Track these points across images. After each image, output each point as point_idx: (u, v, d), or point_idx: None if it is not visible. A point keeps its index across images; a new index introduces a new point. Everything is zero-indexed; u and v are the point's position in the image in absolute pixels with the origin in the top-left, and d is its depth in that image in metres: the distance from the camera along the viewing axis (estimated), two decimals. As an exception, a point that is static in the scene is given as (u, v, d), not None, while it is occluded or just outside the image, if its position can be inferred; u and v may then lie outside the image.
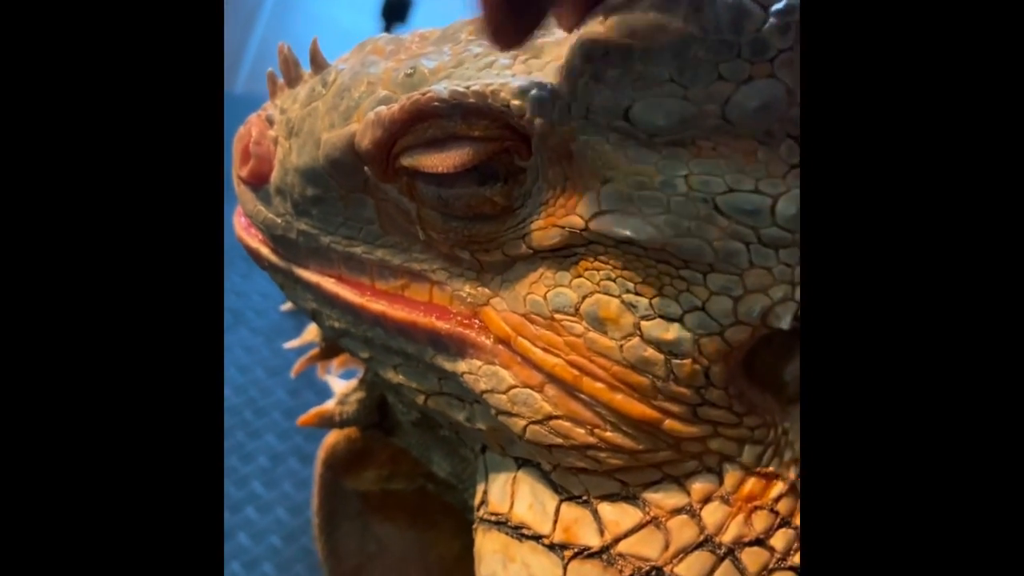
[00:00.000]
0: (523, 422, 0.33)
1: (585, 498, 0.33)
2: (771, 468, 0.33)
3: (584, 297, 0.31)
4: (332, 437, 0.49)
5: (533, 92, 0.30)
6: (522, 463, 0.35)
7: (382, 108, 0.32)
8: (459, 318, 0.34)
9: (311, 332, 0.47)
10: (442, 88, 0.31)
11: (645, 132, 0.29)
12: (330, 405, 0.47)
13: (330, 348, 0.46)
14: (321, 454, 0.50)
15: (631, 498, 0.33)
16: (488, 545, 0.35)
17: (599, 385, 0.32)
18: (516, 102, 0.30)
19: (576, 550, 0.33)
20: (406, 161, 0.32)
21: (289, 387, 0.74)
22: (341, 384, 0.48)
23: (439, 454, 0.44)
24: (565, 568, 0.33)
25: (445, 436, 0.41)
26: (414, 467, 0.47)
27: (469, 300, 0.34)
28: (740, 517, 0.32)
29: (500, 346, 0.33)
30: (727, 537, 0.32)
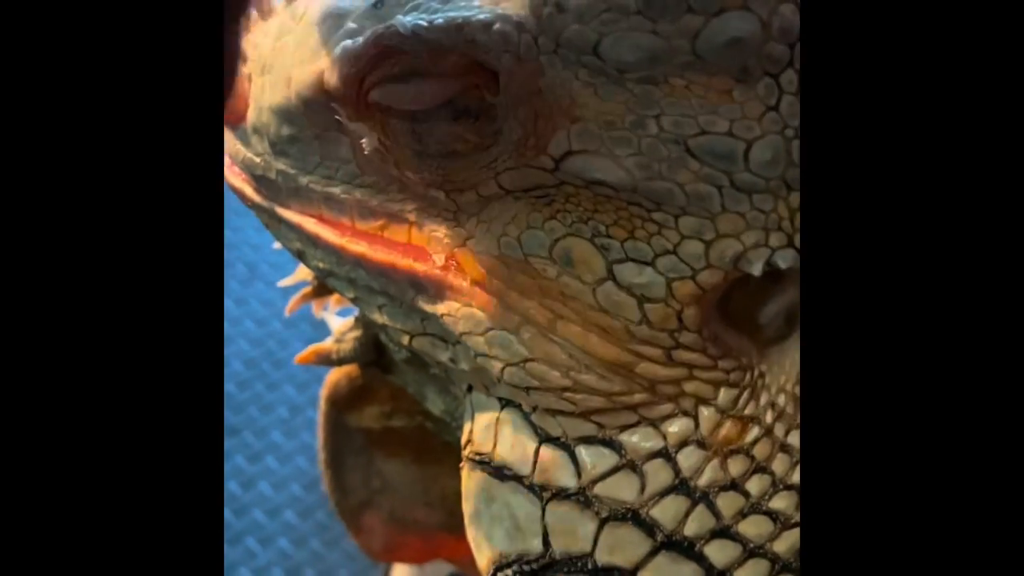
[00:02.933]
0: (500, 364, 0.33)
1: (563, 440, 0.33)
2: (747, 411, 0.32)
3: (556, 240, 0.31)
4: (334, 374, 0.49)
5: (497, 26, 0.29)
6: (505, 403, 0.35)
7: (348, 43, 0.31)
8: (437, 259, 0.34)
9: (304, 270, 0.46)
10: (406, 22, 0.29)
11: (615, 68, 0.28)
12: (328, 343, 0.47)
13: (322, 286, 0.46)
14: (324, 391, 0.50)
15: (607, 441, 0.33)
16: (472, 484, 0.35)
17: (573, 328, 0.32)
18: (481, 37, 0.29)
19: (554, 491, 0.33)
20: (376, 97, 0.31)
21: (306, 338, 0.75)
22: (339, 322, 0.48)
23: (432, 391, 0.44)
24: (544, 508, 0.33)
25: (436, 374, 0.41)
26: (414, 403, 0.47)
27: (446, 241, 0.33)
28: (715, 461, 0.32)
29: (477, 288, 0.33)
30: (702, 481, 0.32)
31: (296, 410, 0.77)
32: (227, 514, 0.69)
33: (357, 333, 0.46)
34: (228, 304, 0.86)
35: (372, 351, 0.47)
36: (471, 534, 0.36)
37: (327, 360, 0.47)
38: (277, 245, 0.41)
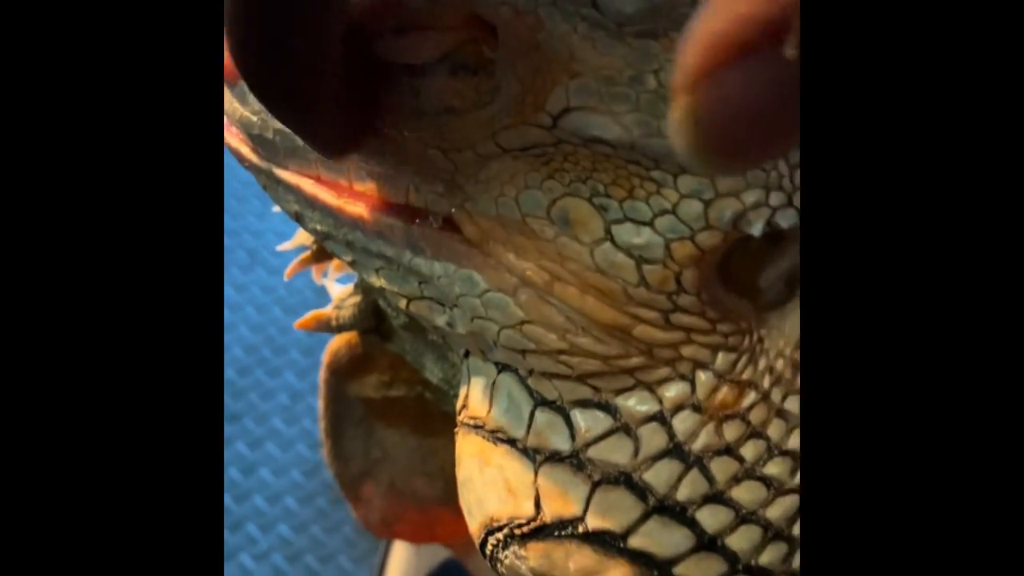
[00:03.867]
0: (496, 327, 0.33)
1: (559, 403, 0.33)
2: (745, 376, 0.32)
3: (554, 200, 0.31)
4: (335, 343, 0.49)
5: None
6: (502, 368, 0.34)
7: None
8: (434, 220, 0.33)
9: (302, 234, 0.46)
10: None
11: (614, 21, 0.27)
12: (328, 309, 0.47)
13: (321, 251, 0.45)
14: (325, 359, 0.50)
15: (603, 404, 0.32)
16: (466, 448, 0.35)
17: (570, 290, 0.31)
18: None
19: (547, 454, 0.33)
20: (377, 49, 0.30)
21: (306, 326, 0.75)
22: (339, 288, 0.47)
23: (430, 359, 0.43)
24: (536, 471, 0.33)
25: (434, 341, 0.41)
26: (413, 373, 0.47)
27: (444, 202, 0.33)
28: (711, 426, 0.32)
29: (474, 249, 0.32)
30: (696, 445, 0.32)
31: (297, 396, 0.77)
32: (228, 500, 0.69)
33: (356, 299, 0.46)
34: (228, 291, 0.86)
35: (371, 318, 0.46)
36: (463, 499, 0.35)
37: (326, 326, 0.47)
38: (276, 208, 0.40)
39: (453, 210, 0.33)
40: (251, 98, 0.35)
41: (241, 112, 0.36)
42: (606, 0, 0.27)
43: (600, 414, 0.32)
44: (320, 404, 0.52)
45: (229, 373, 0.78)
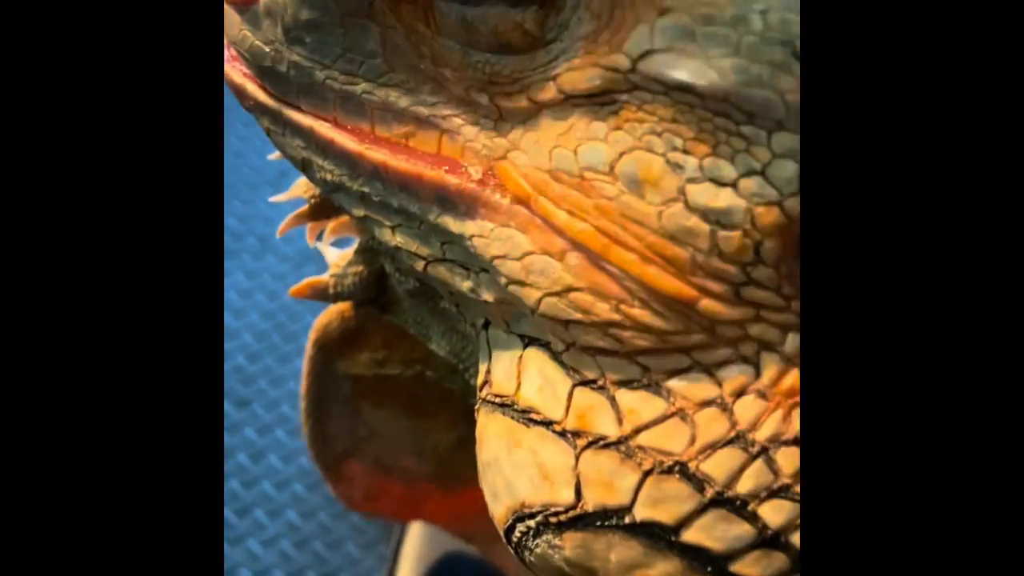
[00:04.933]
0: (538, 293, 0.29)
1: (601, 383, 0.30)
2: None
3: (621, 154, 0.28)
4: (325, 317, 0.46)
5: None
6: (529, 341, 0.32)
7: None
8: (471, 173, 0.30)
9: (300, 186, 0.43)
10: None
11: None
12: (324, 276, 0.44)
13: (319, 206, 0.42)
14: (313, 335, 0.47)
15: (653, 386, 0.30)
16: (491, 428, 0.32)
17: (630, 256, 0.28)
18: None
19: (591, 439, 0.30)
20: None
21: (317, 312, 0.75)
22: (335, 253, 0.44)
23: (438, 330, 0.41)
24: (577, 457, 0.30)
25: (444, 309, 0.38)
26: (410, 351, 0.45)
27: (484, 152, 0.30)
28: (778, 413, 0.29)
29: (518, 206, 0.29)
30: (761, 435, 0.29)
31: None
32: (236, 486, 0.69)
33: (358, 268, 0.43)
34: (239, 277, 0.86)
35: (372, 288, 0.43)
36: (487, 481, 0.33)
37: (322, 294, 0.44)
38: (274, 155, 0.38)
39: (495, 162, 0.30)
40: (266, 23, 0.32)
41: (252, 40, 0.32)
42: None
43: (651, 396, 0.29)
44: (303, 383, 0.48)
45: (239, 359, 0.78)
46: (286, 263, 0.87)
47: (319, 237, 0.44)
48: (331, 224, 0.43)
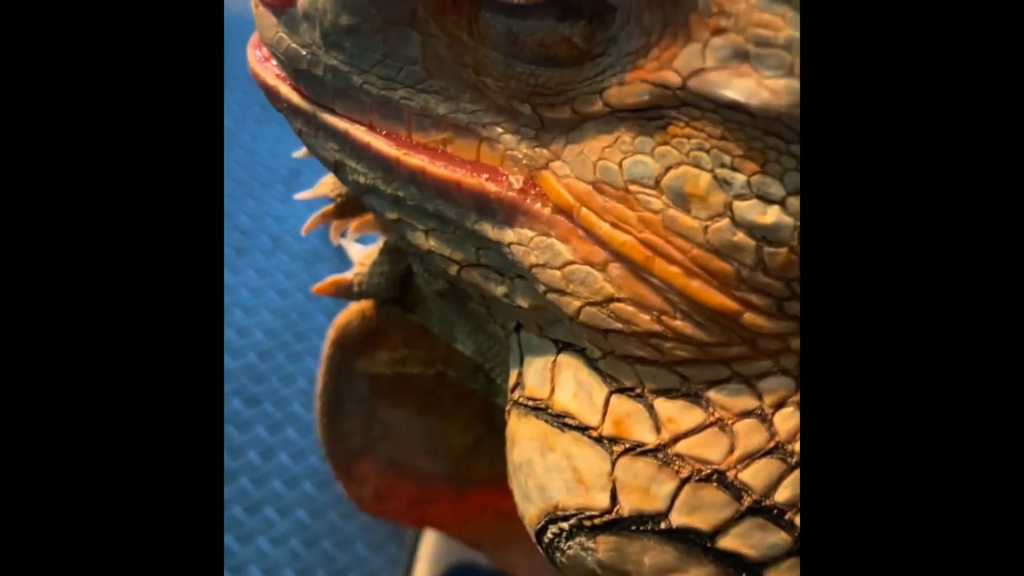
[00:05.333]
0: (578, 303, 0.30)
1: (639, 391, 0.30)
2: None
3: (668, 168, 0.28)
4: (345, 316, 0.46)
5: None
6: (563, 346, 0.32)
7: None
8: (512, 182, 0.30)
9: (325, 184, 0.42)
10: None
11: None
12: (348, 274, 0.43)
13: (345, 205, 0.42)
14: (332, 334, 0.47)
15: (692, 395, 0.30)
16: (524, 431, 0.32)
17: (674, 269, 0.28)
18: None
19: (628, 445, 0.30)
20: None
21: (329, 311, 0.75)
22: (359, 250, 0.44)
23: (464, 330, 0.41)
24: (614, 463, 0.30)
25: (472, 310, 0.38)
26: (431, 351, 0.45)
27: (525, 162, 0.30)
28: None
29: (559, 216, 0.29)
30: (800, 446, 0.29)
31: (316, 381, 0.77)
32: (247, 483, 0.69)
33: (384, 267, 0.43)
34: (251, 275, 0.86)
35: (397, 287, 0.43)
36: (518, 483, 0.33)
37: (347, 292, 0.44)
38: (299, 153, 0.38)
39: (536, 171, 0.30)
40: (303, 27, 0.32)
41: (288, 43, 0.32)
42: None
43: (690, 405, 0.30)
44: (320, 381, 0.48)
45: (250, 357, 0.78)
46: (298, 261, 0.87)
47: (343, 235, 0.44)
48: (355, 222, 0.43)
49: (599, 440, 0.31)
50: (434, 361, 0.46)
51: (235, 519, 0.66)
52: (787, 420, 0.29)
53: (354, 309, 0.46)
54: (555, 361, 0.32)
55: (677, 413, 0.30)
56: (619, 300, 0.29)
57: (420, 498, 0.53)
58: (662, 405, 0.30)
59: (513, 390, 0.34)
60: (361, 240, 0.44)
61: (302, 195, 0.44)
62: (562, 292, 0.30)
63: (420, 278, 0.40)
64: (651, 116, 0.28)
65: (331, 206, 0.43)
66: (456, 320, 0.41)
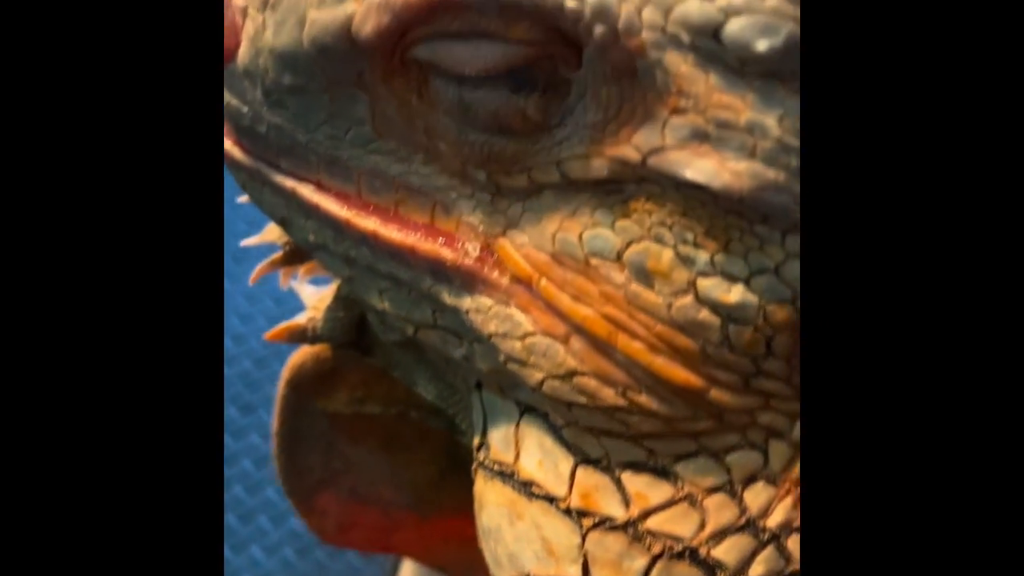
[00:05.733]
0: (540, 375, 0.29)
1: (605, 463, 0.30)
2: None
3: (629, 243, 0.27)
4: (299, 357, 0.45)
5: None
6: (525, 409, 0.31)
7: None
8: (470, 248, 0.29)
9: (272, 231, 0.41)
10: None
11: (737, 58, 0.24)
12: (302, 319, 0.42)
13: (294, 252, 0.40)
14: (286, 374, 0.45)
15: (660, 470, 0.29)
16: (491, 496, 0.32)
17: (637, 344, 0.28)
18: (571, 4, 0.24)
19: (597, 520, 0.30)
20: (422, 54, 0.27)
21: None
22: (311, 292, 0.43)
23: (424, 376, 0.40)
24: (584, 536, 0.30)
25: (431, 360, 0.37)
26: (391, 391, 0.44)
27: (481, 228, 0.29)
28: (788, 500, 0.29)
29: (518, 286, 0.29)
30: (772, 521, 0.29)
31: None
32: (240, 491, 0.69)
33: (338, 313, 0.42)
34: (246, 282, 0.86)
35: (352, 331, 0.42)
36: (488, 547, 0.33)
37: (301, 337, 0.43)
38: (243, 198, 0.36)
39: (493, 239, 0.29)
40: (244, 84, 0.30)
41: (228, 99, 0.31)
42: (734, 33, 0.24)
43: (658, 480, 0.29)
44: (274, 421, 0.47)
45: (246, 364, 0.78)
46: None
47: (294, 277, 0.43)
48: (306, 265, 0.42)
49: (567, 512, 0.30)
50: (394, 401, 0.45)
51: (229, 527, 0.66)
52: (757, 495, 0.29)
53: (307, 351, 0.45)
54: (518, 425, 0.31)
55: (645, 488, 0.29)
56: (582, 374, 0.29)
57: (384, 526, 0.52)
58: (630, 479, 0.30)
59: (478, 450, 0.33)
60: (314, 281, 0.43)
61: (248, 242, 0.42)
62: (523, 363, 0.29)
63: (376, 328, 0.39)
64: (611, 189, 0.27)
65: (279, 254, 0.41)
66: (415, 367, 0.40)
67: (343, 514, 0.50)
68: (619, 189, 0.27)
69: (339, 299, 0.41)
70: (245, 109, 0.31)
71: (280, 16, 0.29)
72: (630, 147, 0.26)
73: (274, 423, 0.47)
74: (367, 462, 0.48)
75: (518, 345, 0.29)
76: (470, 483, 0.37)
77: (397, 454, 0.48)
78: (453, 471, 0.44)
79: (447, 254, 0.29)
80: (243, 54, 0.30)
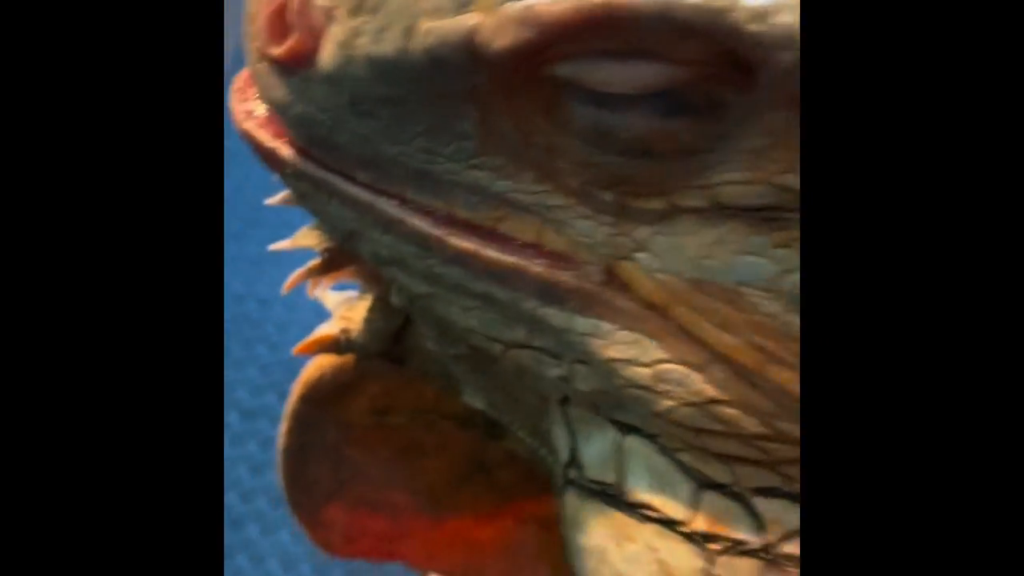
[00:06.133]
0: (671, 403, 0.27)
1: (734, 488, 0.29)
2: None
3: (786, 271, 0.26)
4: (315, 370, 0.42)
5: (782, 17, 0.22)
6: (626, 430, 0.30)
7: (537, 2, 0.24)
8: (592, 272, 0.27)
9: (307, 236, 0.37)
10: None
11: None
12: (332, 330, 0.40)
13: (332, 260, 0.37)
14: (299, 389, 0.43)
15: (796, 496, 0.28)
16: (591, 516, 0.30)
17: (787, 374, 0.26)
18: (753, 27, 0.23)
19: (728, 544, 0.29)
20: (562, 72, 0.25)
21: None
22: (334, 298, 0.41)
23: (474, 386, 0.37)
24: (714, 562, 0.28)
25: (496, 373, 0.34)
26: (418, 399, 0.42)
27: (604, 251, 0.27)
28: None
29: (651, 312, 0.27)
30: None
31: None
32: (233, 499, 0.68)
33: (378, 323, 0.39)
34: (260, 287, 0.86)
35: (388, 341, 0.40)
36: (586, 566, 0.31)
37: (333, 349, 0.40)
38: (273, 200, 0.34)
39: (617, 261, 0.27)
40: (324, 91, 0.28)
41: (302, 108, 0.28)
42: None
43: (793, 505, 0.28)
44: (282, 439, 0.44)
45: (250, 372, 0.78)
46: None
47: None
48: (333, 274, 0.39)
49: (691, 537, 0.29)
50: (421, 411, 0.43)
51: (218, 534, 0.65)
52: None
53: (325, 362, 0.42)
54: (620, 447, 0.30)
55: (781, 512, 0.28)
56: (722, 403, 0.27)
57: (391, 533, 0.50)
58: (763, 504, 0.28)
59: (567, 467, 0.31)
60: (337, 287, 0.41)
61: (278, 246, 0.39)
62: (651, 390, 0.28)
63: (431, 341, 0.36)
64: (768, 216, 0.26)
65: (317, 261, 0.38)
66: (468, 376, 0.37)
67: (350, 525, 0.48)
68: (777, 216, 0.26)
69: (380, 309, 0.39)
70: (323, 116, 0.28)
71: (381, 22, 0.26)
72: (795, 175, 0.25)
73: (281, 439, 0.45)
74: (380, 470, 0.46)
75: (646, 372, 0.28)
76: (494, 486, 0.35)
77: (414, 461, 0.46)
78: (476, 473, 0.42)
79: (564, 277, 0.28)
80: (329, 59, 0.27)
